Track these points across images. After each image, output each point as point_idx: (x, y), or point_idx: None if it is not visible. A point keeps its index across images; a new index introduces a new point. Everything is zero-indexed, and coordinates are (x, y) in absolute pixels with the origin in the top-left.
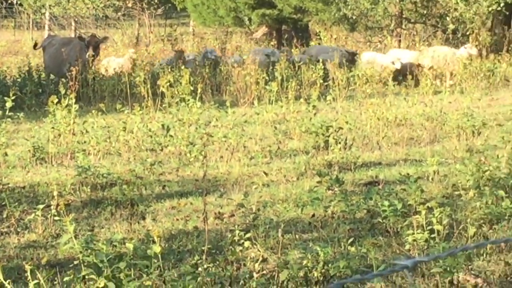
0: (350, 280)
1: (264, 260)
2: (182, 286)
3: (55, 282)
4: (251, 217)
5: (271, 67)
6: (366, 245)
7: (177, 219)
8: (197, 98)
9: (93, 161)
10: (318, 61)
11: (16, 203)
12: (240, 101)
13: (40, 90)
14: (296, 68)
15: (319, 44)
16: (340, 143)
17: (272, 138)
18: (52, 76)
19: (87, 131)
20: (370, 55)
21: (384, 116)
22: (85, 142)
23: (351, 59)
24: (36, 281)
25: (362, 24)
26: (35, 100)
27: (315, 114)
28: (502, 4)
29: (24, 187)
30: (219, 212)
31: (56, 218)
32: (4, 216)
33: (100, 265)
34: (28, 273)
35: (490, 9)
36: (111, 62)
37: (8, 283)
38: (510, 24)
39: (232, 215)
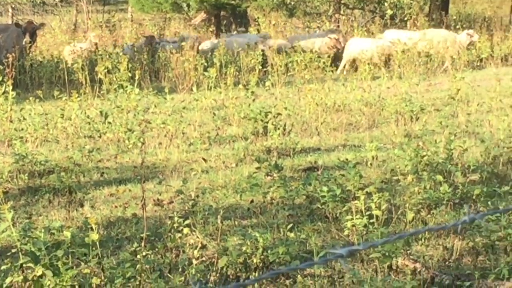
0: (286, 269)
1: (203, 247)
2: (120, 273)
3: None
4: (190, 203)
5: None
6: (305, 231)
7: (116, 206)
8: (135, 84)
9: (30, 148)
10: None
11: None
12: (179, 88)
13: None
14: (235, 54)
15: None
16: (279, 129)
17: (211, 125)
18: None
19: (24, 118)
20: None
21: (323, 101)
22: (22, 129)
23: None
24: None
25: (301, 10)
26: None
27: (254, 100)
28: None
29: None
30: (158, 199)
31: None
32: None
33: (38, 253)
34: None
35: None
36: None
37: None
38: (448, 10)
39: (171, 202)
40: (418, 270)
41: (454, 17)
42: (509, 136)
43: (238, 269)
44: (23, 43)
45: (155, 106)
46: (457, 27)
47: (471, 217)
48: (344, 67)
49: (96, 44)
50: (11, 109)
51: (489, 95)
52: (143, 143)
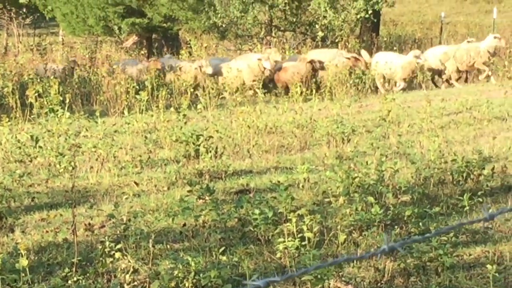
0: None
1: (135, 271)
2: None
3: None
4: (121, 227)
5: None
6: (237, 254)
7: (47, 231)
8: (66, 108)
9: None
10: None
11: None
12: (111, 111)
13: None
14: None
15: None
16: (210, 152)
17: (142, 148)
18: None
19: None
20: (383, 55)
21: (255, 124)
22: None
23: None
24: None
25: (232, 32)
26: None
27: (185, 123)
28: (370, 12)
29: None
30: (89, 224)
31: None
32: None
33: None
34: None
35: (358, 16)
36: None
37: None
38: (378, 31)
39: (103, 226)
40: None
41: (385, 39)
42: (439, 157)
43: None
44: None
45: (86, 129)
46: (389, 48)
47: (390, 246)
48: (382, 84)
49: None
50: None
51: (420, 116)
52: (73, 168)
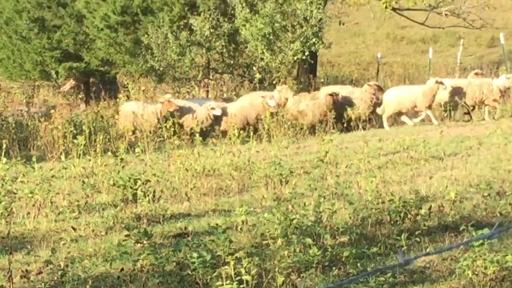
0: None
1: None
2: None
3: None
4: (59, 273)
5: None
6: None
7: None
8: (3, 153)
9: None
10: None
11: None
12: (48, 156)
13: None
14: (105, 121)
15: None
16: (148, 195)
17: (80, 193)
18: None
19: None
20: (396, 90)
21: (193, 167)
22: None
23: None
24: None
25: (170, 75)
26: None
27: (123, 167)
28: (306, 53)
29: None
30: (26, 270)
31: None
32: None
33: None
34: None
35: (295, 58)
36: None
37: None
38: (316, 73)
39: (40, 273)
40: None
41: (322, 80)
42: (377, 197)
43: None
44: None
45: (23, 175)
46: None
47: None
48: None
49: None
50: None
51: (357, 157)
52: (9, 214)
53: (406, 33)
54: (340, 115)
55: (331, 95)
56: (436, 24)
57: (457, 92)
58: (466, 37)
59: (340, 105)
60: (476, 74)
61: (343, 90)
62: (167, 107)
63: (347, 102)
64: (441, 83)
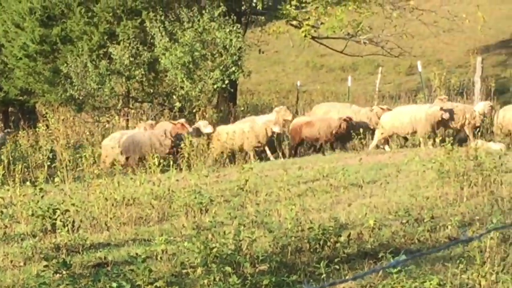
0: None
1: None
2: None
3: None
4: None
5: None
6: None
7: None
8: None
9: None
10: None
11: None
12: None
13: None
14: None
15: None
16: (67, 225)
17: None
18: None
19: None
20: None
21: (112, 196)
22: None
23: None
24: None
25: (90, 104)
26: None
27: (42, 197)
28: (226, 82)
29: None
30: None
31: None
32: None
33: None
34: None
35: (215, 86)
36: None
37: None
38: (236, 101)
39: None
40: None
41: (242, 108)
42: (296, 225)
43: None
44: None
45: None
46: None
47: None
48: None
49: None
50: None
51: (277, 185)
52: None
53: (326, 61)
54: (348, 136)
55: (346, 120)
56: (355, 52)
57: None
58: (385, 65)
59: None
60: (441, 100)
61: (346, 110)
62: (179, 129)
63: (362, 125)
64: (445, 111)
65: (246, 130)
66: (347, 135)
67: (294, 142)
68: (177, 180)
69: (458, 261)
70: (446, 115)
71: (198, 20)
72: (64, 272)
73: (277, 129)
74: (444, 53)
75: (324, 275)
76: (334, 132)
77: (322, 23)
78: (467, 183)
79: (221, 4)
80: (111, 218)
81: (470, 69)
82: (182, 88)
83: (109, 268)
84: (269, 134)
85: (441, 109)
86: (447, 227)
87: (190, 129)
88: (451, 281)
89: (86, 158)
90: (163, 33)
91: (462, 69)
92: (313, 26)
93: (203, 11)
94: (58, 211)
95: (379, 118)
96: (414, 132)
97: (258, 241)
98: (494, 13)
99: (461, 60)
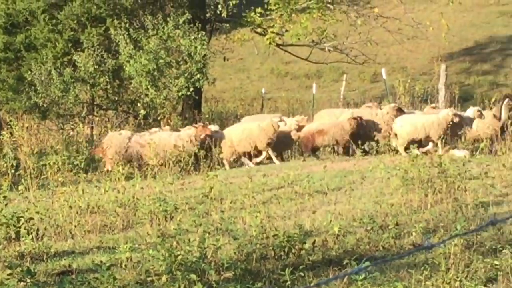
0: None
1: None
2: None
3: None
4: None
5: None
6: None
7: None
8: None
9: None
10: None
11: None
12: None
13: None
14: None
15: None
16: (32, 233)
17: None
18: None
19: None
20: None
21: (77, 204)
22: None
23: None
24: None
25: (54, 112)
26: None
27: (6, 205)
28: (191, 89)
29: None
30: None
31: None
32: None
33: None
34: None
35: (180, 94)
36: None
37: None
38: (200, 108)
39: None
40: None
41: (207, 116)
42: (261, 233)
43: None
44: None
45: None
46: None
47: None
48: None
49: None
50: None
51: (242, 192)
52: None
53: (290, 68)
54: (360, 137)
55: (355, 118)
56: (320, 60)
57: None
58: (350, 72)
59: (363, 128)
60: (433, 108)
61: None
62: (201, 132)
63: (372, 125)
64: (457, 115)
65: (254, 129)
66: (364, 135)
67: (306, 150)
68: (142, 188)
69: (422, 268)
70: (456, 119)
71: (163, 28)
72: (28, 280)
73: (282, 124)
74: (408, 61)
75: (289, 282)
76: (349, 133)
77: (286, 31)
78: (432, 190)
79: (186, 11)
80: (75, 226)
81: (434, 76)
82: (146, 95)
83: (73, 276)
84: (277, 128)
85: (454, 114)
86: (411, 234)
87: (213, 129)
88: None
89: (50, 165)
90: (128, 41)
91: (426, 76)
92: (277, 34)
93: (168, 19)
94: (22, 219)
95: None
96: (428, 137)
97: (223, 248)
98: (458, 21)
99: (425, 67)
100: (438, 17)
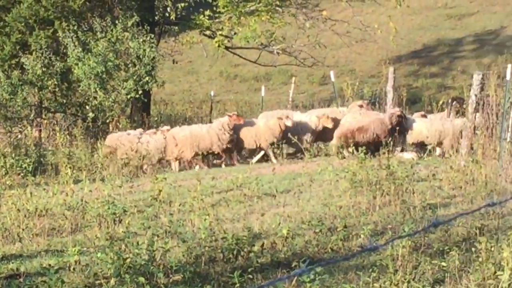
0: None
1: None
2: None
3: None
4: None
5: None
6: None
7: None
8: None
9: None
10: None
11: None
12: None
13: None
14: None
15: None
16: None
17: None
18: None
19: None
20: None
21: (25, 207)
22: None
23: None
24: None
25: (2, 114)
26: None
27: None
28: (140, 92)
29: None
30: None
31: None
32: None
33: None
34: None
35: (128, 96)
36: None
37: None
38: (149, 111)
39: None
40: None
41: (156, 118)
42: (210, 235)
43: None
44: None
45: None
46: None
47: None
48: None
49: None
50: None
51: (191, 195)
52: None
53: (239, 71)
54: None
55: (399, 116)
56: (269, 62)
57: None
58: (298, 75)
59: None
60: (423, 116)
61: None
62: (235, 121)
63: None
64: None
65: (261, 127)
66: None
67: (346, 145)
68: (90, 191)
69: (370, 270)
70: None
71: (111, 30)
72: None
73: (289, 123)
74: (357, 63)
75: (237, 284)
76: (390, 127)
77: (235, 33)
78: (380, 192)
79: (135, 14)
80: (23, 229)
81: (383, 79)
82: (95, 98)
83: (21, 280)
84: (283, 128)
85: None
86: (359, 236)
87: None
88: None
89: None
90: (76, 43)
91: (374, 79)
92: (226, 36)
93: (116, 21)
94: None
95: None
96: (440, 143)
97: (171, 251)
98: (406, 24)
99: (374, 70)
100: (386, 20)
